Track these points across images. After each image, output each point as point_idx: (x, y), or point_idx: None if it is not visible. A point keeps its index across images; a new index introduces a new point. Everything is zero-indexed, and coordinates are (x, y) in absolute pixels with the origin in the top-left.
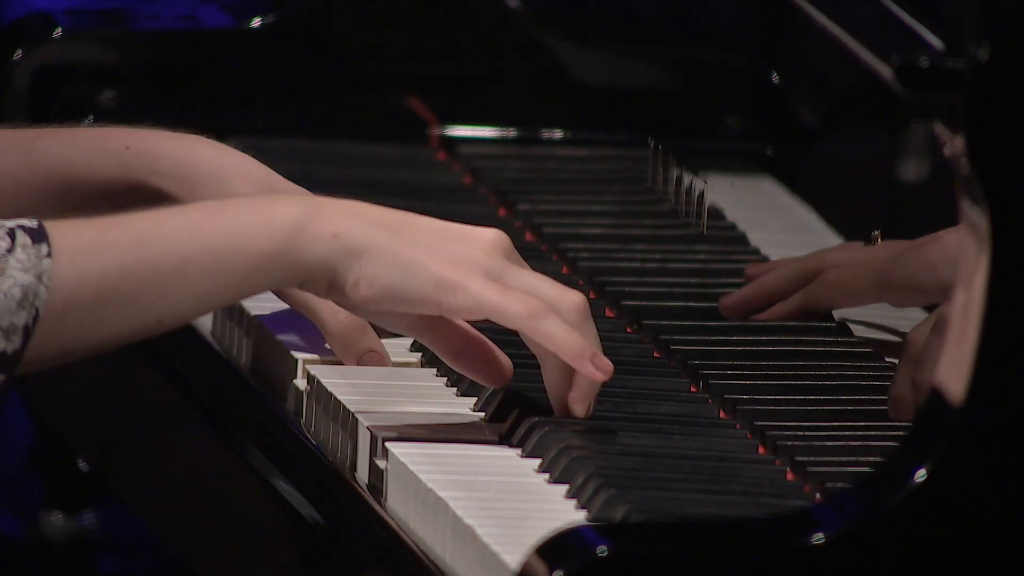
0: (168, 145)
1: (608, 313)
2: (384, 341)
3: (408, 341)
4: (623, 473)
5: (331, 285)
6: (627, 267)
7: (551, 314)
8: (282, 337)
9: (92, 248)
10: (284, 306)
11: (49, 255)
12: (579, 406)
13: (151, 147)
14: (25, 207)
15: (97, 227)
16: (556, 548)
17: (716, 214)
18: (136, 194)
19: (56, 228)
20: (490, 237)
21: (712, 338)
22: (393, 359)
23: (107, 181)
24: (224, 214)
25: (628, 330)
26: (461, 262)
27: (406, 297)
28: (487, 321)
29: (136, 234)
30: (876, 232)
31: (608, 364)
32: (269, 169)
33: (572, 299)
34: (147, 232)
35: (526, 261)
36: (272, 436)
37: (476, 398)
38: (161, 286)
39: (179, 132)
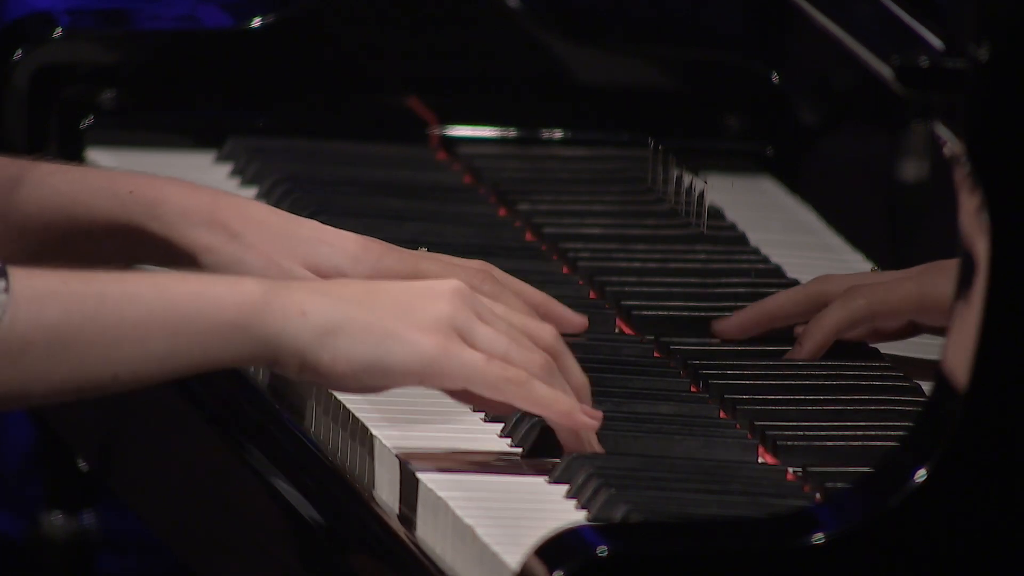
0: (170, 191)
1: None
2: None
3: None
4: (623, 473)
5: (303, 365)
6: (627, 267)
7: (532, 380)
8: None
9: (54, 293)
10: None
11: (7, 290)
12: (583, 447)
13: (154, 193)
14: (31, 243)
15: (61, 275)
16: (556, 548)
17: (716, 214)
18: (137, 238)
19: (19, 270)
20: (451, 289)
21: (712, 338)
22: None
23: (110, 223)
24: (190, 281)
25: (628, 330)
26: (436, 325)
27: (388, 372)
28: None
29: (100, 286)
30: (874, 267)
31: (597, 412)
32: (284, 212)
33: (534, 365)
34: (111, 286)
35: (526, 261)
36: (272, 435)
37: None
38: (120, 340)
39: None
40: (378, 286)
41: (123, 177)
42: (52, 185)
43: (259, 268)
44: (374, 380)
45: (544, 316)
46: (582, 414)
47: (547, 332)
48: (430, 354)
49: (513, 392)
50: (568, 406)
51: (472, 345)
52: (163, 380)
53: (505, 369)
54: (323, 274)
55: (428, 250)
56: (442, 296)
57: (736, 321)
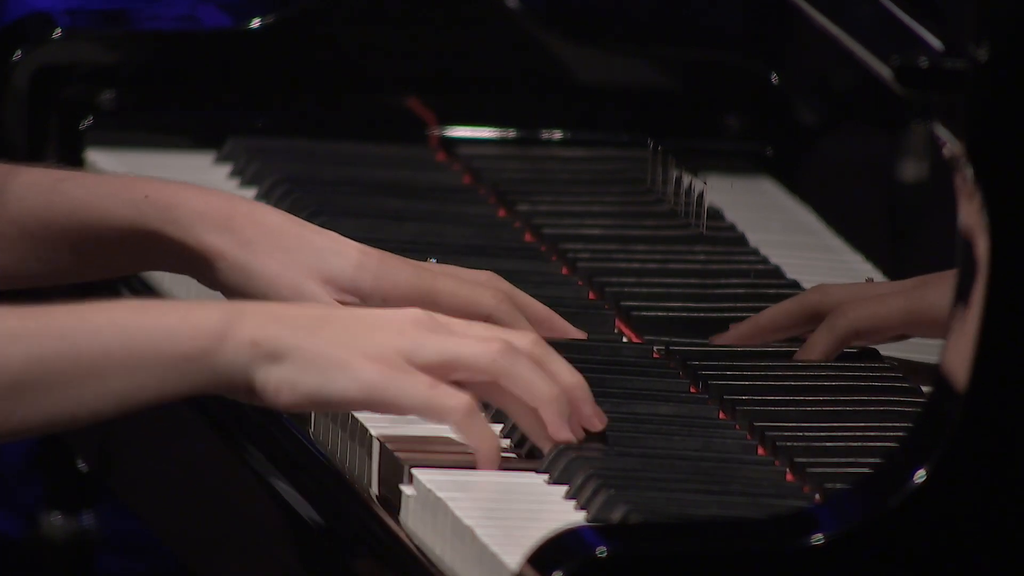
0: (185, 195)
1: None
2: None
3: None
4: (622, 473)
5: (252, 392)
6: (627, 268)
7: (474, 414)
8: None
9: (13, 335)
10: None
11: None
12: (563, 434)
13: (169, 197)
14: (45, 250)
15: (19, 315)
16: (555, 548)
17: (715, 215)
18: (151, 243)
19: None
20: (408, 319)
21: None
22: None
23: (124, 228)
24: (148, 313)
25: (628, 331)
26: (382, 353)
27: (331, 401)
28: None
29: (59, 325)
30: (870, 278)
31: (602, 416)
32: (299, 220)
33: (489, 351)
34: (69, 324)
35: (525, 262)
36: (271, 436)
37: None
38: (79, 380)
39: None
40: (333, 313)
41: (136, 182)
42: (64, 191)
43: (266, 276)
44: (319, 408)
45: (548, 331)
46: (499, 460)
47: (526, 339)
48: (371, 382)
49: (454, 421)
50: (492, 454)
51: (421, 365)
52: (123, 415)
53: (448, 397)
54: (334, 284)
55: (428, 248)
56: (393, 325)
57: (731, 336)
